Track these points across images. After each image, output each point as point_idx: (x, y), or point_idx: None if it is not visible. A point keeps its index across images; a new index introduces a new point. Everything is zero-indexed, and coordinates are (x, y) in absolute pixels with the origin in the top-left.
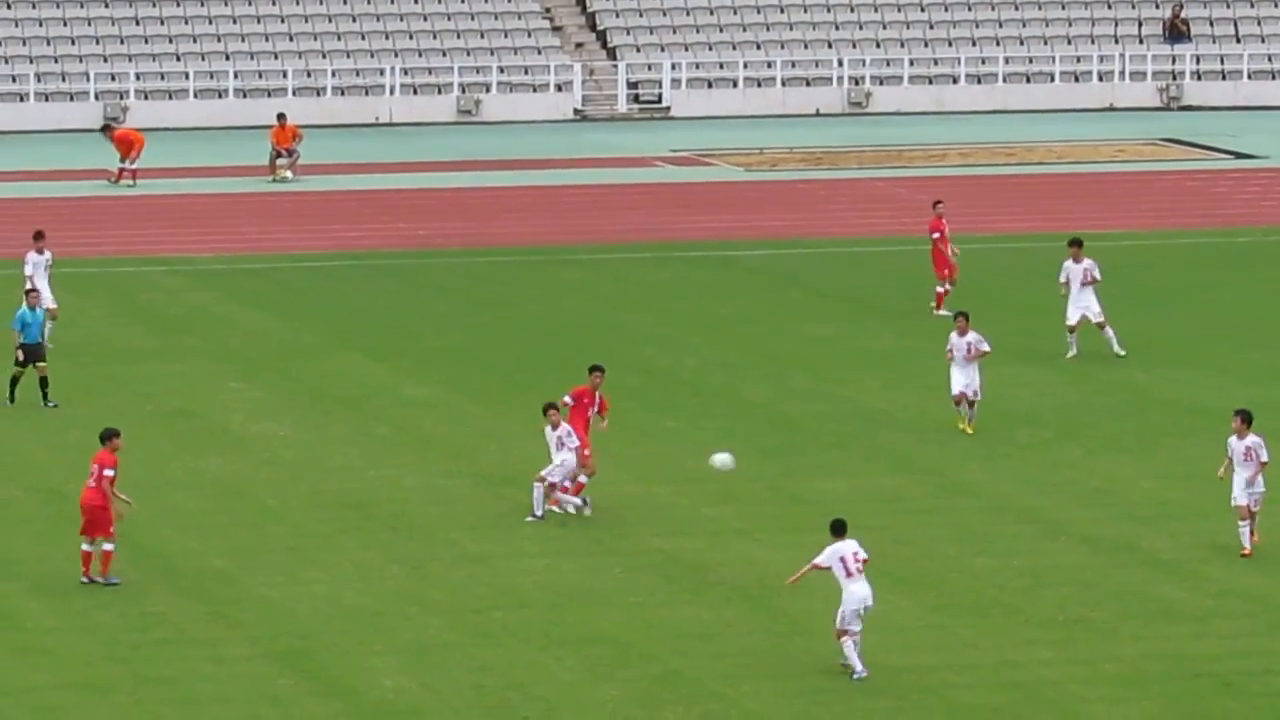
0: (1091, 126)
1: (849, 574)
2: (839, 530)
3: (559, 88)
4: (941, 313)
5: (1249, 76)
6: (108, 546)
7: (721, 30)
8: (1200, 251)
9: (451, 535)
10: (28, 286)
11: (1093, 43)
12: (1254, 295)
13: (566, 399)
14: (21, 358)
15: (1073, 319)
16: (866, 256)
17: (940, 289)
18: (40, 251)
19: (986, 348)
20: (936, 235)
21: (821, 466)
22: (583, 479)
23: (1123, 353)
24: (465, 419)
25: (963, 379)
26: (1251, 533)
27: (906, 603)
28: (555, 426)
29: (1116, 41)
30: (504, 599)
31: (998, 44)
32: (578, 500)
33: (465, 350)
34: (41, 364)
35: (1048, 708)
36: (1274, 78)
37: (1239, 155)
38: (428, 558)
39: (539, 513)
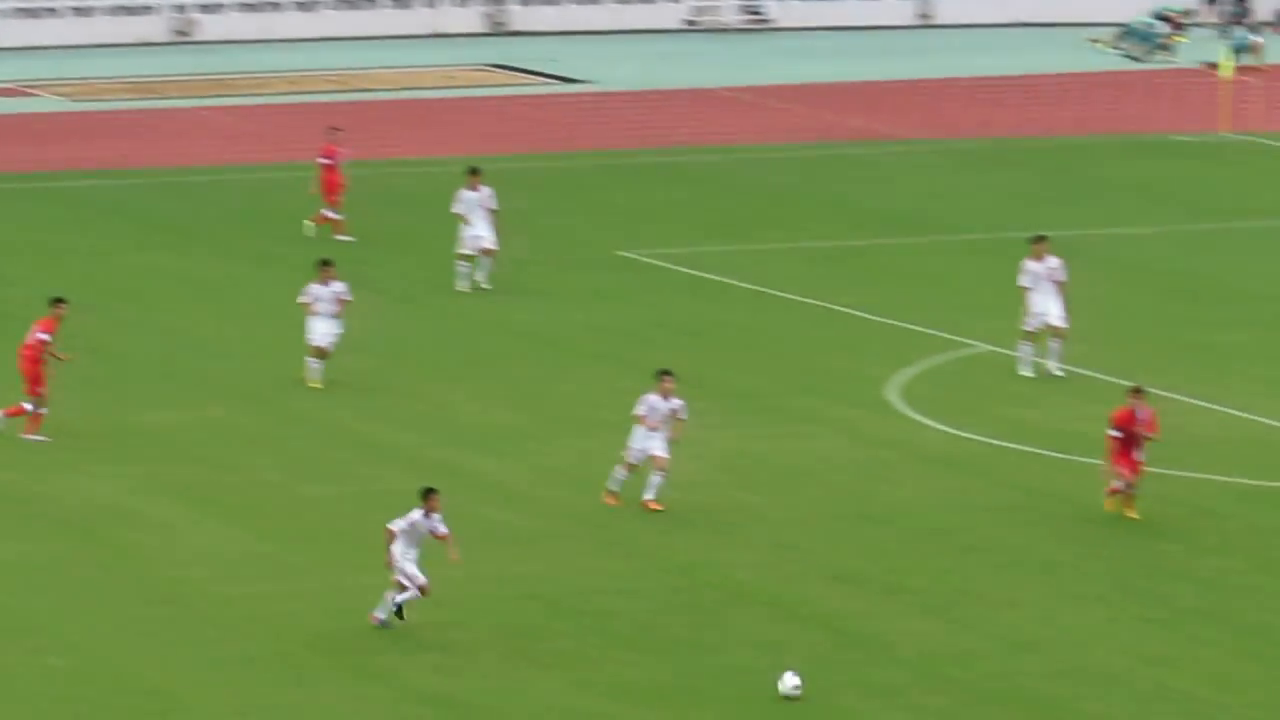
0: (419, 53)
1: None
2: (425, 495)
3: None
4: (342, 238)
5: (572, 1)
6: None
7: None
8: (527, 176)
9: None
10: None
11: None
12: (580, 220)
13: (43, 335)
14: None
15: (471, 248)
16: (193, 186)
17: (327, 213)
18: None
19: (349, 296)
20: (328, 161)
21: (151, 397)
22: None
23: (475, 287)
24: None
25: (323, 329)
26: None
27: (236, 532)
28: None
29: None
30: None
31: None
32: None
33: None
34: None
35: (377, 634)
36: (597, 2)
37: (564, 80)
38: None
39: None
